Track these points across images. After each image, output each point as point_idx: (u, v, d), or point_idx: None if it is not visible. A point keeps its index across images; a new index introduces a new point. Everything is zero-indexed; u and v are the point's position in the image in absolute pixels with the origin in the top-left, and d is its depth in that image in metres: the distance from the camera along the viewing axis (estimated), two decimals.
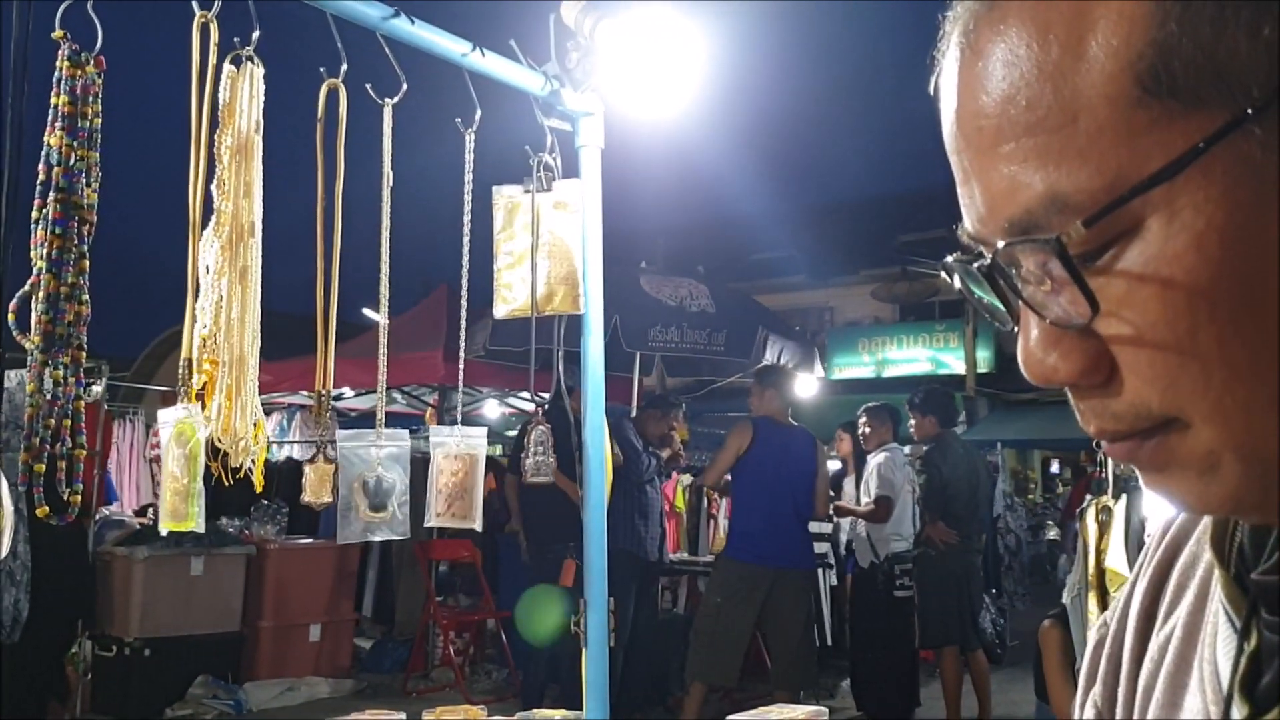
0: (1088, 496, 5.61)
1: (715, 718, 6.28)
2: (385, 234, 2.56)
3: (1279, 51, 0.47)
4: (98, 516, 7.62)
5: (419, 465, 9.62)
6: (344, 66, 2.39)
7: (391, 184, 2.55)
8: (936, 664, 7.37)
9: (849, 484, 8.10)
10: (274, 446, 12.56)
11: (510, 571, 9.12)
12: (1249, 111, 0.47)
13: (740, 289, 12.87)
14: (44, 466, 1.86)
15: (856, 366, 21.91)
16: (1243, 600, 0.59)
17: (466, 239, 2.84)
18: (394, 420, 13.90)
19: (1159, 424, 0.53)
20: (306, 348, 2.57)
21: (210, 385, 2.07)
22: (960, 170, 0.58)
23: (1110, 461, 4.55)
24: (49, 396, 1.87)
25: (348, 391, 10.46)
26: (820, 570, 8.38)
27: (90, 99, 1.90)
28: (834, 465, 8.52)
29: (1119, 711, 0.71)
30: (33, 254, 1.85)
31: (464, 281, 2.85)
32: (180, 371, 2.06)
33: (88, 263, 1.90)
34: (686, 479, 10.35)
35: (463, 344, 2.92)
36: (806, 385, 9.92)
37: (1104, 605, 4.16)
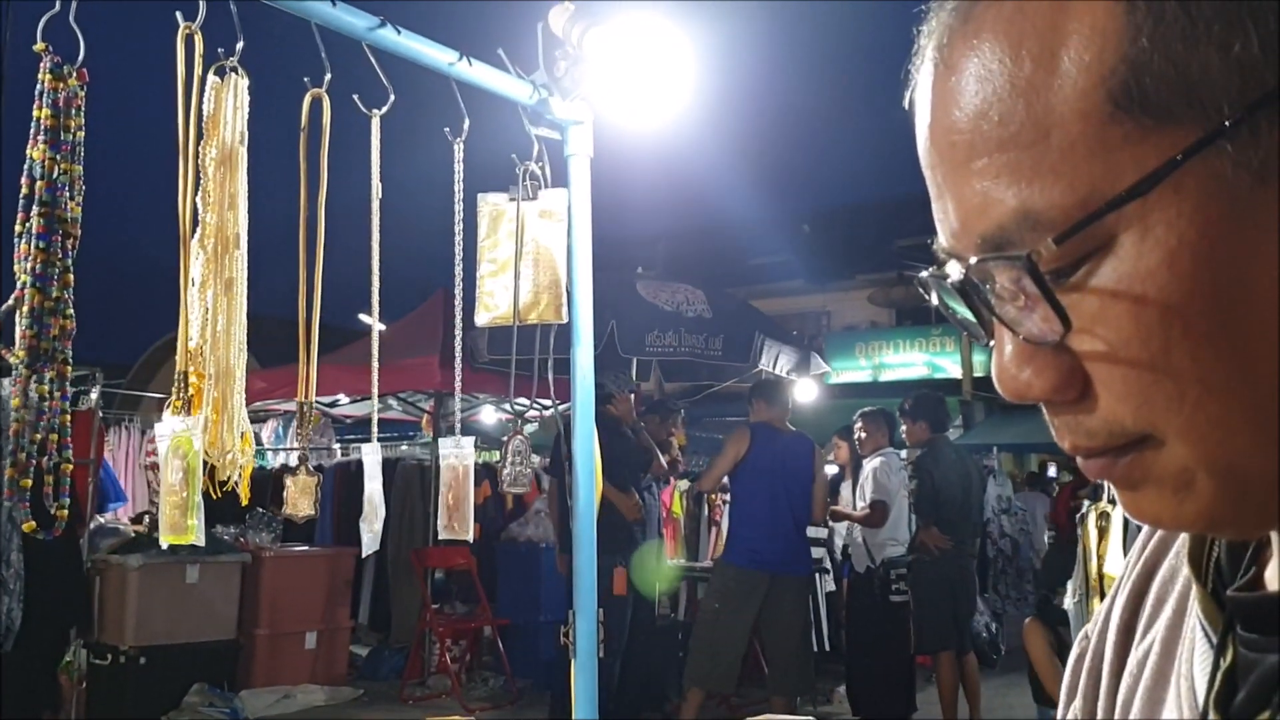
0: (1085, 502, 5.62)
1: None
2: (375, 246, 2.55)
3: (1250, 69, 0.47)
4: (92, 524, 7.60)
5: (413, 473, 9.59)
6: (327, 76, 2.39)
7: (381, 195, 2.54)
8: (933, 669, 7.37)
9: (846, 489, 8.10)
10: (269, 454, 12.55)
11: (507, 579, 9.12)
12: (1221, 128, 0.47)
13: (737, 294, 12.86)
14: (30, 481, 1.85)
15: (854, 371, 21.90)
16: (1219, 616, 0.59)
17: (458, 248, 2.84)
18: (390, 426, 13.94)
19: (1133, 441, 0.53)
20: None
21: (197, 398, 2.06)
22: (934, 185, 0.57)
23: None
24: (35, 411, 1.86)
25: (343, 398, 10.46)
26: (817, 575, 8.37)
27: (73, 111, 1.89)
28: (832, 470, 8.52)
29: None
30: (16, 268, 1.84)
31: (457, 292, 2.85)
32: (175, 383, 2.05)
33: (72, 276, 1.89)
34: (684, 484, 10.34)
35: (458, 351, 2.92)
36: (806, 389, 9.92)
37: None
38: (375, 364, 2.64)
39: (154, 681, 7.35)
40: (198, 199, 2.08)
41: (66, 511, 1.90)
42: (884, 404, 8.38)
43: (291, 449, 11.82)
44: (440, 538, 2.88)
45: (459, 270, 2.84)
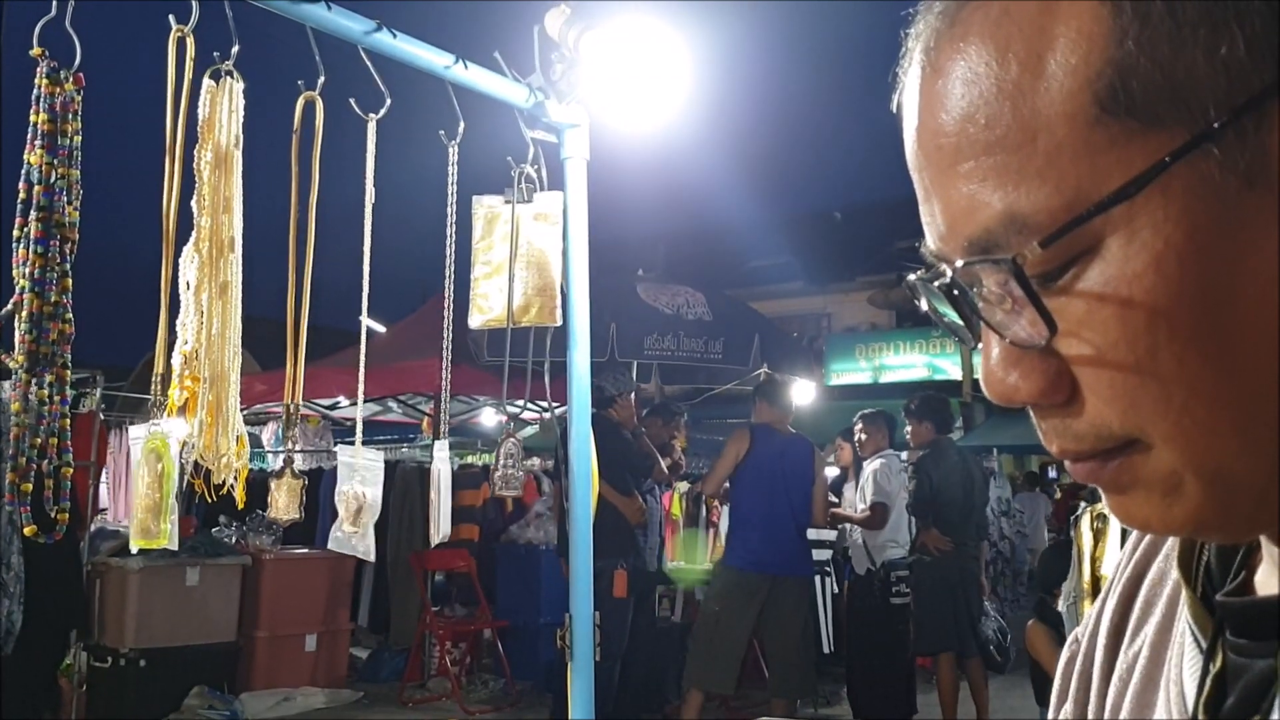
0: (1081, 504, 5.61)
1: None
2: (366, 249, 2.56)
3: (1236, 71, 0.47)
4: (92, 526, 7.61)
5: (414, 475, 9.55)
6: (321, 79, 2.40)
7: (374, 199, 2.55)
8: (933, 671, 7.36)
9: (850, 490, 8.10)
10: (269, 456, 12.54)
11: (506, 581, 9.12)
12: (1207, 131, 0.47)
13: (737, 296, 12.86)
14: (30, 486, 1.85)
15: (854, 373, 21.89)
16: (1208, 621, 0.59)
17: (450, 250, 2.85)
18: (391, 429, 13.93)
19: (1120, 444, 0.53)
20: (305, 356, 2.57)
21: (192, 401, 2.07)
22: (921, 188, 0.57)
23: None
24: (35, 415, 1.87)
25: (343, 400, 10.45)
26: (819, 578, 8.37)
27: (70, 116, 1.90)
28: (834, 472, 8.52)
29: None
30: (15, 273, 1.85)
31: (447, 293, 2.86)
32: (154, 387, 2.06)
33: (70, 281, 1.90)
34: (683, 486, 10.34)
35: (446, 354, 2.92)
36: (804, 392, 9.92)
37: None
38: (362, 366, 2.64)
39: (154, 684, 7.35)
40: (192, 203, 2.08)
41: (67, 515, 1.90)
42: (884, 405, 8.38)
43: (285, 451, 11.80)
44: (439, 540, 2.88)
45: (449, 272, 2.85)
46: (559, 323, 2.91)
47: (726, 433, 8.20)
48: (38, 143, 1.87)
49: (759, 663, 7.55)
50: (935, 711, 7.15)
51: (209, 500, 2.16)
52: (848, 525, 8.03)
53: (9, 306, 1.87)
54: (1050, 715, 0.78)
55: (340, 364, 9.26)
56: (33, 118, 1.88)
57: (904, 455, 7.80)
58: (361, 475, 2.63)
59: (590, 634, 2.82)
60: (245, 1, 2.21)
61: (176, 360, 2.09)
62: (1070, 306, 0.51)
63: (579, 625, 2.82)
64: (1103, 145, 0.49)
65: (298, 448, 11.59)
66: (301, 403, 2.54)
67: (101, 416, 8.12)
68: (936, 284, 0.56)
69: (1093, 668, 0.72)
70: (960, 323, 0.58)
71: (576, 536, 2.90)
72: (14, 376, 1.85)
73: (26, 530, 1.84)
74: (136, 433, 2.11)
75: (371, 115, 2.59)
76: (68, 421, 1.90)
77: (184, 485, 2.15)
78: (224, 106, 2.12)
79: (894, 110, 0.61)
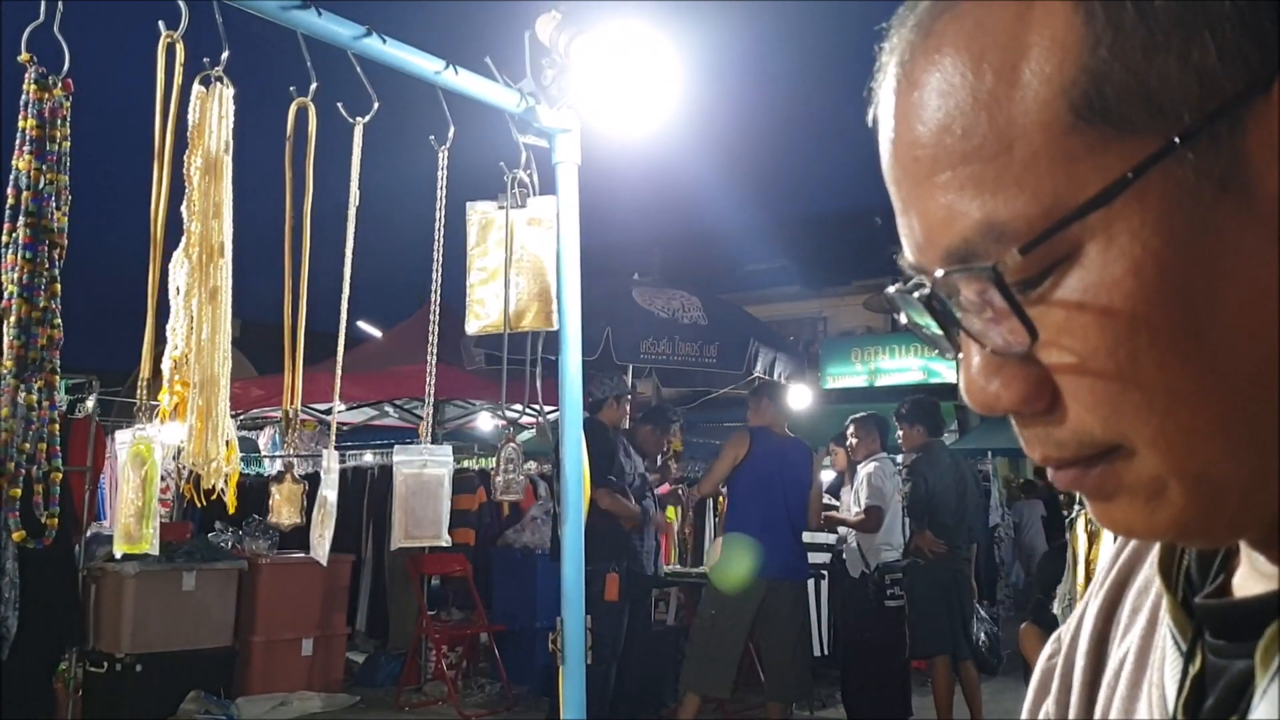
0: (1076, 507, 5.61)
1: None
2: (349, 252, 2.56)
3: (1209, 77, 0.47)
4: (88, 532, 7.60)
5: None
6: (313, 85, 2.40)
7: (360, 203, 2.55)
8: (928, 674, 7.36)
9: (846, 494, 8.10)
10: (266, 461, 12.55)
11: (503, 585, 9.12)
12: (1181, 137, 0.48)
13: (733, 300, 12.87)
14: (20, 491, 1.85)
15: (850, 376, 21.92)
16: (1188, 623, 0.59)
17: (439, 255, 2.85)
18: (388, 434, 13.92)
19: (1103, 451, 0.53)
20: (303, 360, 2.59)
21: (182, 407, 2.07)
22: (899, 200, 0.58)
23: None
24: (23, 421, 1.87)
25: (340, 405, 10.44)
26: (815, 580, 8.37)
27: (58, 122, 1.90)
28: (830, 475, 8.52)
29: None
30: (3, 279, 1.85)
31: (435, 297, 2.86)
32: (139, 392, 2.06)
33: (59, 286, 1.90)
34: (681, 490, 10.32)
35: (431, 358, 2.92)
36: (800, 396, 9.91)
37: None
38: (339, 369, 2.65)
39: (150, 689, 7.35)
40: (182, 208, 2.08)
41: (57, 520, 1.90)
42: (880, 409, 8.37)
43: (284, 455, 11.82)
44: (397, 546, 2.89)
45: (437, 277, 2.85)
46: (556, 327, 2.91)
47: (723, 436, 8.20)
48: (26, 148, 1.87)
49: (755, 666, 7.55)
50: (930, 714, 7.14)
51: (200, 505, 2.16)
52: (843, 528, 8.03)
53: None
54: (1026, 712, 0.78)
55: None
56: (21, 123, 1.88)
57: (899, 459, 7.80)
58: (330, 480, 2.64)
59: (582, 638, 2.82)
60: (235, 7, 2.22)
61: (166, 365, 2.09)
62: (1050, 314, 0.51)
63: (570, 629, 2.82)
64: (1079, 152, 0.49)
65: (293, 453, 11.60)
66: (306, 407, 2.54)
67: (96, 421, 8.11)
68: (915, 295, 0.56)
69: (1073, 670, 0.72)
70: (940, 333, 0.57)
71: (567, 540, 2.90)
72: (2, 382, 1.85)
73: (15, 536, 1.84)
74: (122, 437, 2.11)
75: (359, 119, 2.60)
76: (57, 427, 1.90)
77: (177, 490, 2.15)
78: (214, 112, 2.13)
79: (869, 124, 0.61)
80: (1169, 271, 0.48)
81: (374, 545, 10.04)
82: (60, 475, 1.92)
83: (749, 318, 10.47)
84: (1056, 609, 4.66)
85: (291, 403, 2.56)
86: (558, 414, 3.09)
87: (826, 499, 7.84)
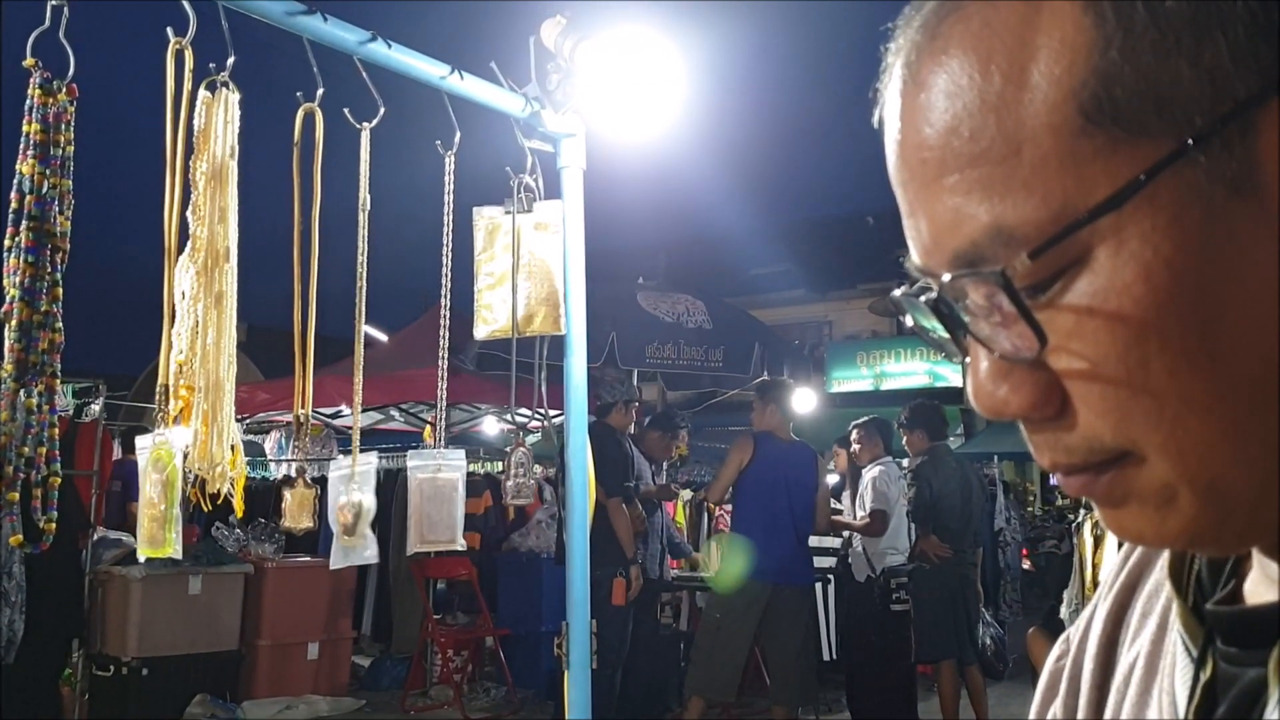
0: (1082, 511, 5.61)
1: None
2: (362, 257, 2.56)
3: (1221, 79, 0.47)
4: (95, 535, 7.61)
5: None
6: (320, 90, 2.41)
7: (369, 207, 2.56)
8: (934, 678, 7.35)
9: (846, 498, 8.10)
10: (272, 465, 12.55)
11: (508, 589, 9.12)
12: (1193, 140, 0.47)
13: (738, 304, 12.86)
14: (17, 495, 1.86)
15: (855, 380, 21.91)
16: (1199, 630, 0.59)
17: (448, 261, 2.85)
18: (393, 438, 13.92)
19: (1113, 457, 0.52)
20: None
21: (187, 411, 2.07)
22: (905, 203, 0.57)
23: None
24: (23, 424, 1.87)
25: (345, 409, 10.45)
26: (821, 585, 8.36)
27: (63, 126, 1.90)
28: (833, 479, 8.51)
29: None
30: (5, 282, 1.85)
31: (444, 302, 2.86)
32: (156, 398, 2.07)
33: (61, 290, 1.90)
34: (686, 494, 10.33)
35: (443, 364, 2.92)
36: (805, 399, 9.92)
37: None
38: (359, 377, 2.65)
39: (157, 692, 7.36)
40: (189, 213, 2.09)
41: (55, 525, 1.90)
42: (886, 413, 8.37)
43: (294, 460, 11.81)
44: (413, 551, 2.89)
45: (446, 283, 2.85)
46: (563, 331, 2.91)
47: (728, 440, 8.20)
48: (30, 153, 1.88)
49: (760, 670, 7.55)
50: (936, 718, 7.13)
51: (206, 509, 2.16)
52: (848, 532, 8.03)
53: None
54: (1033, 712, 0.77)
55: (343, 373, 9.25)
56: (25, 128, 1.88)
57: (904, 463, 7.79)
58: (357, 483, 2.63)
59: (587, 642, 2.82)
60: (241, 13, 2.22)
61: (171, 370, 2.10)
62: (1059, 318, 0.51)
63: (575, 633, 2.82)
64: (1088, 156, 0.49)
65: (298, 457, 11.60)
66: (309, 413, 2.54)
67: (103, 424, 8.13)
68: (922, 299, 0.56)
69: (1081, 673, 0.72)
70: (946, 337, 0.57)
71: (572, 544, 2.90)
72: (2, 385, 1.85)
73: (13, 540, 1.85)
74: (143, 442, 2.11)
75: (365, 124, 2.60)
76: (56, 431, 1.91)
77: (183, 495, 2.16)
78: (219, 118, 2.13)
79: (875, 125, 0.60)
80: (1180, 276, 0.48)
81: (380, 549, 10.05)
82: (59, 480, 1.92)
83: (754, 321, 10.47)
84: (1064, 612, 4.66)
85: (302, 407, 2.56)
86: (562, 418, 3.09)
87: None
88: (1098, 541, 4.62)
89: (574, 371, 2.98)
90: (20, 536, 1.84)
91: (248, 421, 10.42)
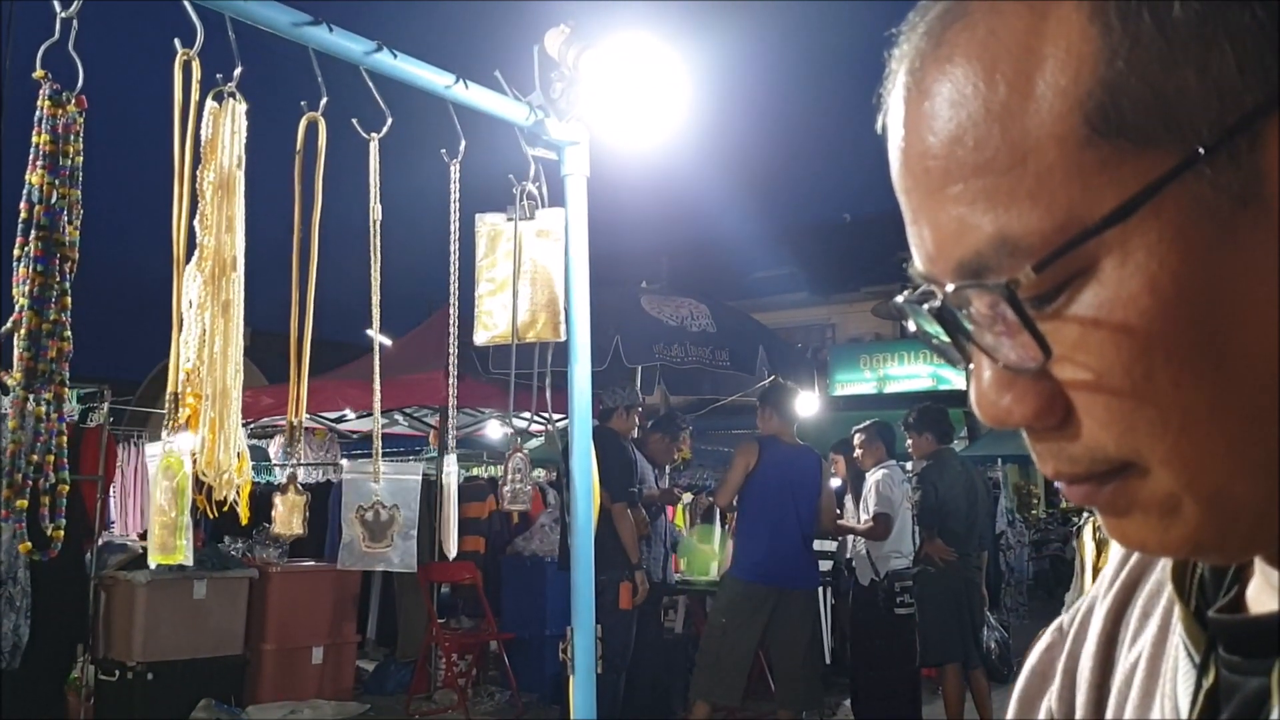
0: (1084, 514, 5.62)
1: None
2: (376, 270, 2.58)
3: (1228, 90, 0.47)
4: (100, 540, 7.63)
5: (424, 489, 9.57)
6: (324, 100, 2.42)
7: (380, 217, 2.57)
8: (939, 682, 7.35)
9: (849, 502, 8.10)
10: (276, 470, 12.58)
11: (512, 593, 9.13)
12: (1199, 152, 0.47)
13: (742, 307, 12.87)
14: (26, 502, 1.87)
15: (858, 383, 21.89)
16: (1202, 636, 0.59)
17: (454, 268, 2.87)
18: (397, 442, 13.95)
19: (1116, 468, 0.52)
20: (311, 370, 2.61)
21: (194, 418, 2.09)
22: (909, 210, 0.57)
23: None
24: (32, 432, 1.89)
25: (349, 413, 10.48)
26: (823, 589, 8.36)
27: (71, 137, 1.92)
28: (835, 484, 8.52)
29: None
30: (14, 291, 1.87)
31: (452, 309, 2.88)
32: (165, 406, 2.08)
33: (69, 299, 1.92)
34: (687, 497, 10.34)
35: (453, 369, 2.94)
36: (808, 403, 9.92)
37: None
38: (377, 384, 2.66)
39: (161, 697, 7.36)
40: (195, 222, 2.11)
41: (63, 532, 1.92)
42: (889, 416, 8.38)
43: (297, 465, 11.84)
44: (451, 555, 2.90)
45: (454, 289, 2.87)
46: (563, 338, 2.93)
47: (731, 444, 8.21)
48: (39, 163, 1.89)
49: (765, 674, 7.55)
50: None
51: (212, 516, 2.18)
52: (849, 536, 8.03)
53: (8, 324, 1.89)
54: (1017, 693, 0.78)
55: (346, 377, 9.28)
56: (35, 139, 1.90)
57: (908, 466, 7.80)
58: (390, 491, 2.65)
59: (592, 646, 2.84)
60: (248, 24, 2.24)
61: (179, 377, 2.11)
62: (1064, 329, 0.51)
63: (580, 637, 2.84)
64: (1094, 167, 0.49)
65: (302, 461, 11.61)
66: (307, 416, 2.56)
67: (107, 430, 8.15)
68: (925, 306, 0.56)
69: (1078, 668, 0.72)
70: (949, 344, 0.57)
71: (577, 548, 2.91)
72: (12, 393, 1.87)
73: (22, 547, 1.86)
74: (152, 450, 2.13)
75: (374, 134, 2.62)
76: (65, 439, 1.92)
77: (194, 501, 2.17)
78: (226, 128, 2.15)
79: (879, 131, 0.60)
80: (1186, 289, 0.48)
81: None
82: (67, 487, 1.93)
83: (757, 325, 10.48)
84: (1065, 617, 4.66)
85: (296, 414, 2.57)
86: (566, 422, 3.10)
87: None
88: (1100, 546, 4.63)
89: (578, 378, 3.00)
90: (29, 544, 1.86)
91: (251, 426, 10.44)
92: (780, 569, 6.48)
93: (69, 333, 1.92)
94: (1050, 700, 0.74)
